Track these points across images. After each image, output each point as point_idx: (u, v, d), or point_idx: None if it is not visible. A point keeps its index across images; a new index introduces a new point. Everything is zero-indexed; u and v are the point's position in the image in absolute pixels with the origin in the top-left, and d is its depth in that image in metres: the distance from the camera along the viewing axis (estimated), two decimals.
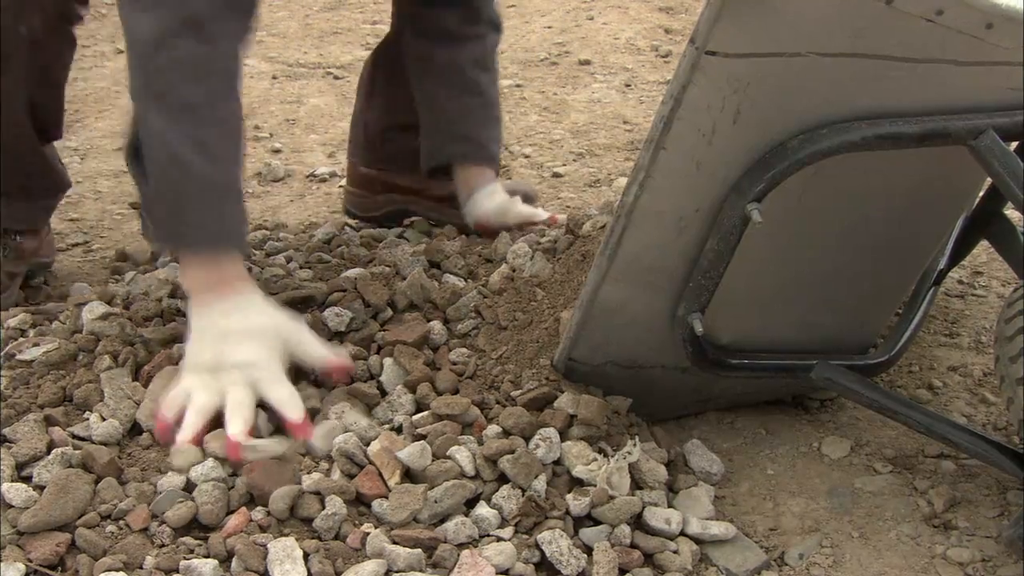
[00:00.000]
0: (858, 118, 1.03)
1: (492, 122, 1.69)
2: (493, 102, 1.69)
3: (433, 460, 1.15)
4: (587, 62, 3.06)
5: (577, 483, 1.17)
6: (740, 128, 1.01)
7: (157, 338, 1.35)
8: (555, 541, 1.08)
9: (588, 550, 1.11)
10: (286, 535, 1.07)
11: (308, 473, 1.14)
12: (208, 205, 1.23)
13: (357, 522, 1.10)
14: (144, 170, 1.27)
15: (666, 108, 0.98)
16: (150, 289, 1.49)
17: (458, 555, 1.06)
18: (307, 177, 2.27)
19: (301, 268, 1.57)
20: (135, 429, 1.22)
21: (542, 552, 1.09)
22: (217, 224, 1.24)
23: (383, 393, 1.27)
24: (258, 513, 1.09)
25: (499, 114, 1.72)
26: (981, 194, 1.43)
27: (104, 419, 1.21)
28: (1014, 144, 1.10)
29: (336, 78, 2.91)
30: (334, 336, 1.36)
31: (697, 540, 1.17)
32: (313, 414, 1.21)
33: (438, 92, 1.64)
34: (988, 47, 0.97)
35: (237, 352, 1.18)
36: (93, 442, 1.19)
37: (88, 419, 1.22)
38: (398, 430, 1.22)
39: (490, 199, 1.66)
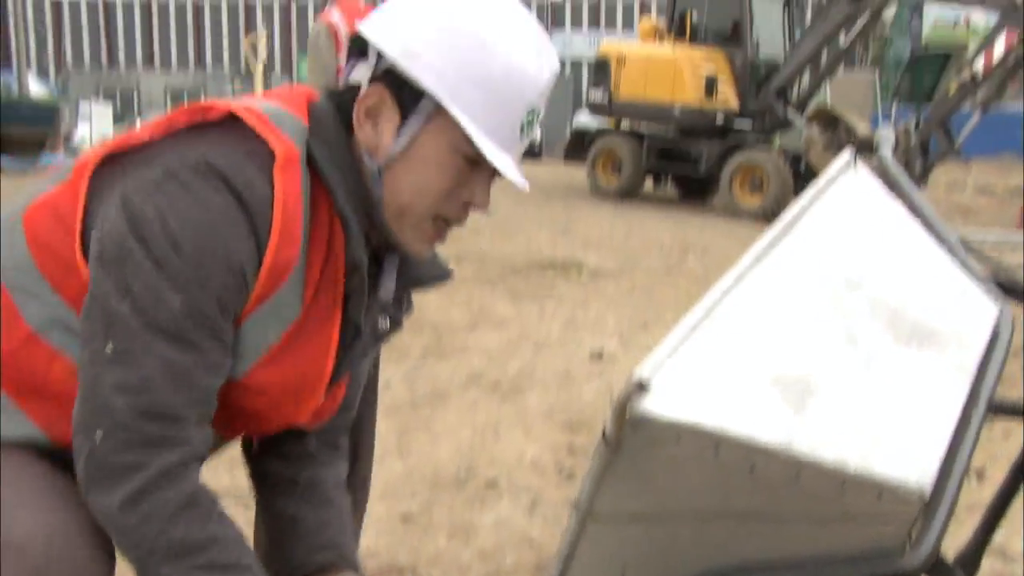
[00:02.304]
0: (735, 570, 1.09)
1: (352, 535, 1.65)
2: (349, 519, 1.65)
3: None
4: (493, 482, 3.15)
5: None
6: None
7: None
8: None
9: None
10: None
11: None
12: None
13: None
14: None
15: (556, 572, 1.04)
16: None
17: None
18: None
19: None
20: None
21: None
22: None
23: None
24: None
25: (356, 532, 1.69)
26: None
27: None
28: None
29: (247, 507, 2.92)
30: None
31: None
32: None
33: (300, 508, 1.58)
34: (843, 506, 1.07)
35: None
36: None
37: None
38: None
39: None
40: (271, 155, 1.26)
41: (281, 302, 1.31)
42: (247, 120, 1.28)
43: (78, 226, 1.29)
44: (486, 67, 1.27)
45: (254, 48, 12.32)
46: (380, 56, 1.30)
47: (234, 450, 1.70)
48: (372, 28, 1.32)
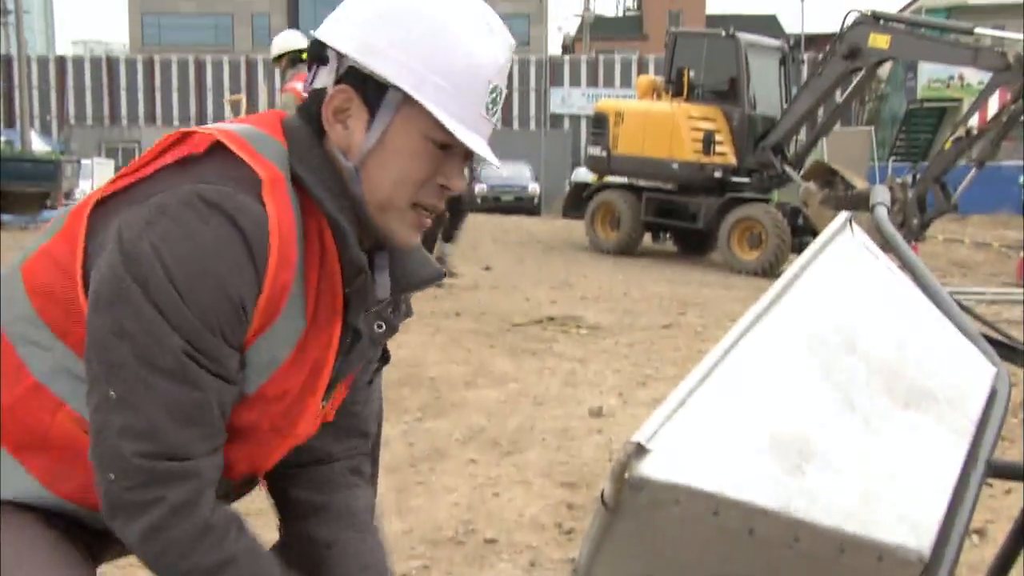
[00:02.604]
0: None
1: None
2: (387, 552, 1.66)
3: None
4: (493, 540, 3.12)
5: None
6: None
7: None
8: None
9: None
10: None
11: None
12: None
13: None
14: None
15: None
16: None
17: None
18: None
19: None
20: None
21: None
22: None
23: None
24: None
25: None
26: None
27: None
28: None
29: None
30: None
31: None
32: None
33: (339, 533, 1.60)
34: (843, 569, 1.06)
35: None
36: None
37: None
38: None
39: None
40: (257, 179, 1.28)
41: (286, 322, 1.32)
42: (230, 147, 1.30)
43: (79, 270, 1.29)
44: (444, 52, 1.30)
45: (235, 108, 12.55)
46: (340, 57, 1.33)
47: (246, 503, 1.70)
48: (327, 31, 1.35)
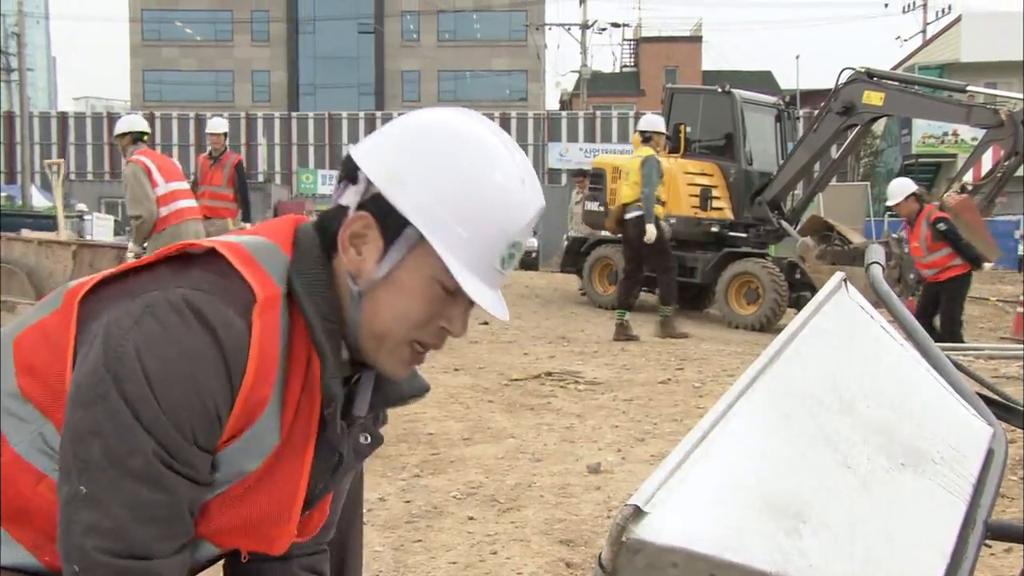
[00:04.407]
0: None
1: None
2: None
3: None
4: None
5: None
6: None
7: None
8: None
9: None
10: None
11: None
12: None
13: None
14: None
15: None
16: None
17: None
18: None
19: None
20: None
21: None
22: None
23: None
24: None
25: None
26: None
27: None
28: None
29: None
30: None
31: None
32: None
33: None
34: None
35: None
36: None
37: None
38: None
39: None
40: (251, 297, 1.28)
41: (259, 434, 1.32)
42: (230, 259, 1.31)
43: (70, 353, 1.30)
44: (469, 203, 1.30)
45: (54, 170, 12.79)
46: (368, 182, 1.33)
47: None
48: (361, 152, 1.35)
